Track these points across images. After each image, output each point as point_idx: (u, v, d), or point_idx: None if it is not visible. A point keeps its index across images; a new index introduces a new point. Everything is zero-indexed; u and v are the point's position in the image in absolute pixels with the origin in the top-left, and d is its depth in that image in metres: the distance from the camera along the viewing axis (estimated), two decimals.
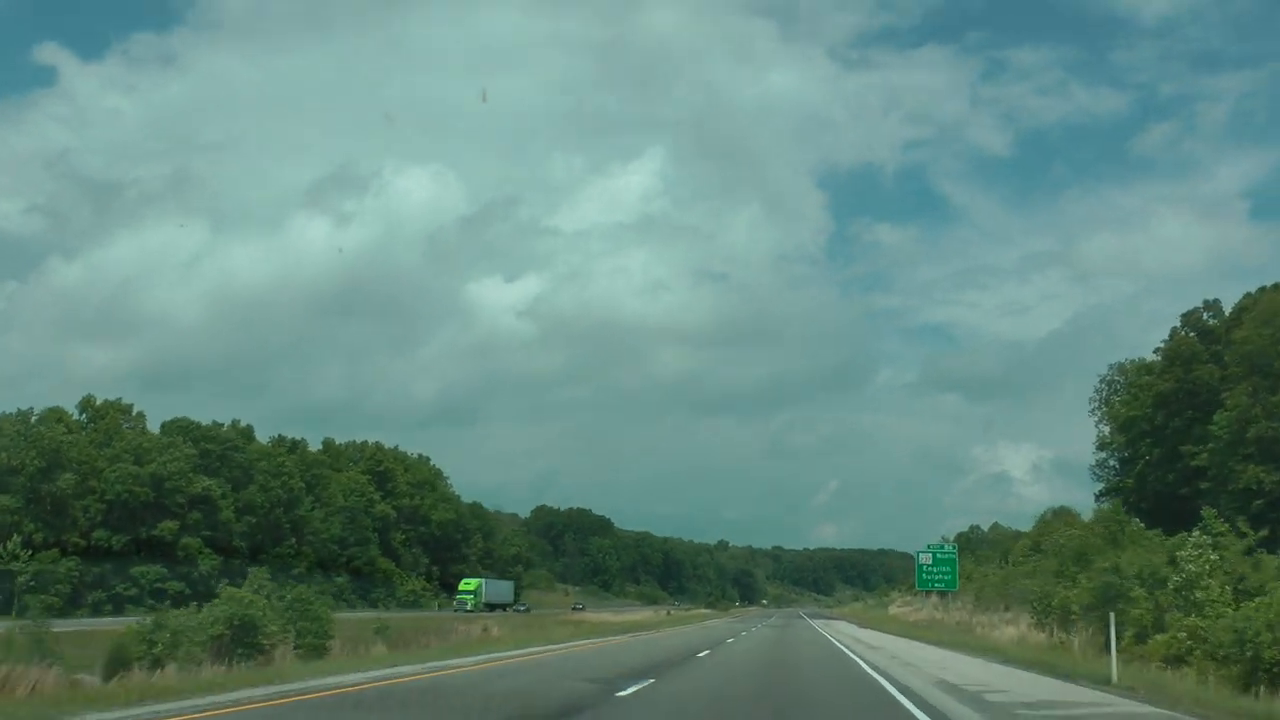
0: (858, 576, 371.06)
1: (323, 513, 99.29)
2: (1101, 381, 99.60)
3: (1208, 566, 27.92)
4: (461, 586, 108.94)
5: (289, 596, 32.21)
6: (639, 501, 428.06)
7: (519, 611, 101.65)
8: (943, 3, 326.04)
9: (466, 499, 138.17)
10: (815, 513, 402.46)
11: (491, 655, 31.64)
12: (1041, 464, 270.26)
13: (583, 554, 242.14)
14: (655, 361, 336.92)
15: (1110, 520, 51.41)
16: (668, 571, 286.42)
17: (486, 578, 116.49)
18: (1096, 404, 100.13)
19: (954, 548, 70.07)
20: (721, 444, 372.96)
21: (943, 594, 72.38)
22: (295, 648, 28.15)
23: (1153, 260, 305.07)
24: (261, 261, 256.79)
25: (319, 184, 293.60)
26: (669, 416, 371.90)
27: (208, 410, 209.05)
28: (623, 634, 52.28)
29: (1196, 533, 30.89)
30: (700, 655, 33.60)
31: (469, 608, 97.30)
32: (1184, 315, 72.76)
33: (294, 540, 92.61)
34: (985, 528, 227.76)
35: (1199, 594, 27.05)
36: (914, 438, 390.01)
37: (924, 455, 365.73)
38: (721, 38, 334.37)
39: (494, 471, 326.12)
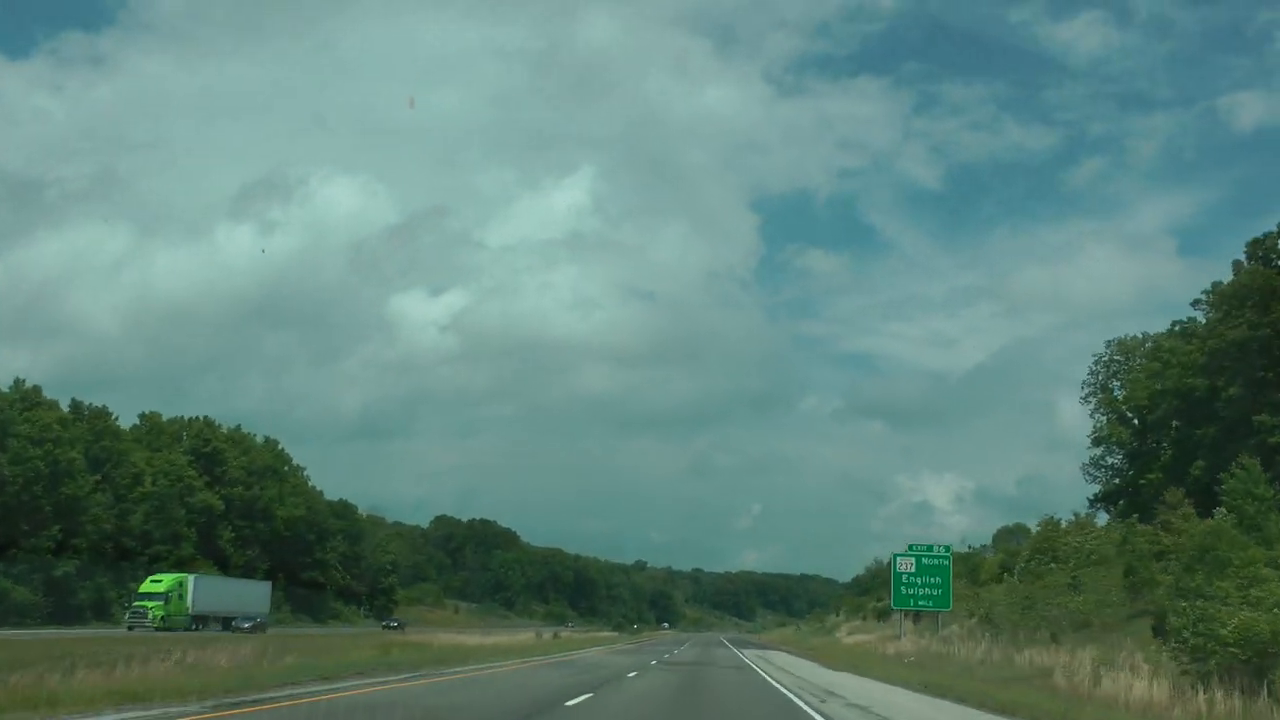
0: (780, 601, 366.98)
1: (109, 497, 75.90)
2: (1097, 363, 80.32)
3: None
4: (143, 587, 68.99)
5: None
6: (559, 520, 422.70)
7: (395, 628, 78.46)
8: (878, 34, 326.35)
9: (364, 508, 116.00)
10: (738, 536, 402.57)
11: None
12: (964, 494, 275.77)
13: (484, 569, 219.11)
14: (580, 379, 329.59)
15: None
16: (579, 591, 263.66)
17: (199, 574, 76.35)
18: (1091, 390, 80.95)
19: (946, 550, 49.16)
20: (645, 464, 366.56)
21: (918, 616, 51.71)
22: None
23: (1080, 294, 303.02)
24: (184, 267, 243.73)
25: (246, 190, 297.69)
26: (593, 435, 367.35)
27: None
28: (388, 675, 29.81)
29: None
30: None
31: (149, 623, 63.64)
32: (1251, 244, 53.16)
33: (60, 528, 69.12)
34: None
35: None
36: (838, 464, 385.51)
37: (847, 482, 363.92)
38: (658, 53, 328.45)
39: (413, 487, 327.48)
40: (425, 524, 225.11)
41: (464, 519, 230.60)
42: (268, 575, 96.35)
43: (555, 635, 79.46)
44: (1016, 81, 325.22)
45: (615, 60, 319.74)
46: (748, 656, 53.19)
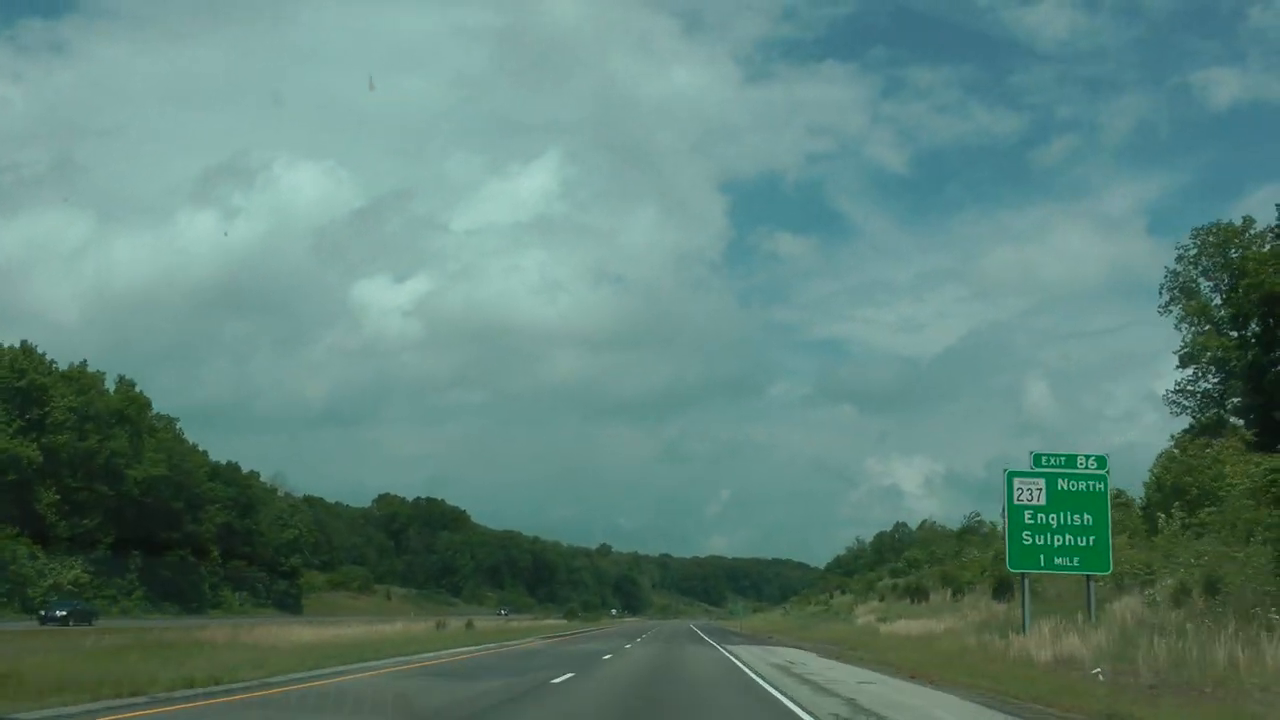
0: (751, 587, 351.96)
1: None
2: (1183, 259, 59.77)
3: None
4: None
5: None
6: (523, 506, 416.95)
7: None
8: (845, 18, 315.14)
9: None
10: (707, 522, 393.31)
11: None
12: (933, 477, 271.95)
13: (429, 552, 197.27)
14: (549, 364, 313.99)
15: None
16: (538, 576, 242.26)
17: None
18: (1173, 297, 60.43)
19: (1100, 466, 27.81)
20: (612, 450, 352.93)
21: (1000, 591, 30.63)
22: None
23: (1049, 277, 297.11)
24: (144, 253, 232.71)
25: (207, 175, 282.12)
26: (559, 420, 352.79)
27: None
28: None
29: None
30: None
31: None
32: None
33: None
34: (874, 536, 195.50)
35: None
36: (808, 449, 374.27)
37: (817, 467, 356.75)
38: (624, 31, 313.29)
39: (376, 476, 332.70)
40: (367, 503, 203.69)
41: (409, 498, 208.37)
42: (114, 550, 74.59)
43: (468, 625, 58.01)
44: (983, 65, 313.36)
45: (581, 40, 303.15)
46: (736, 656, 31.80)
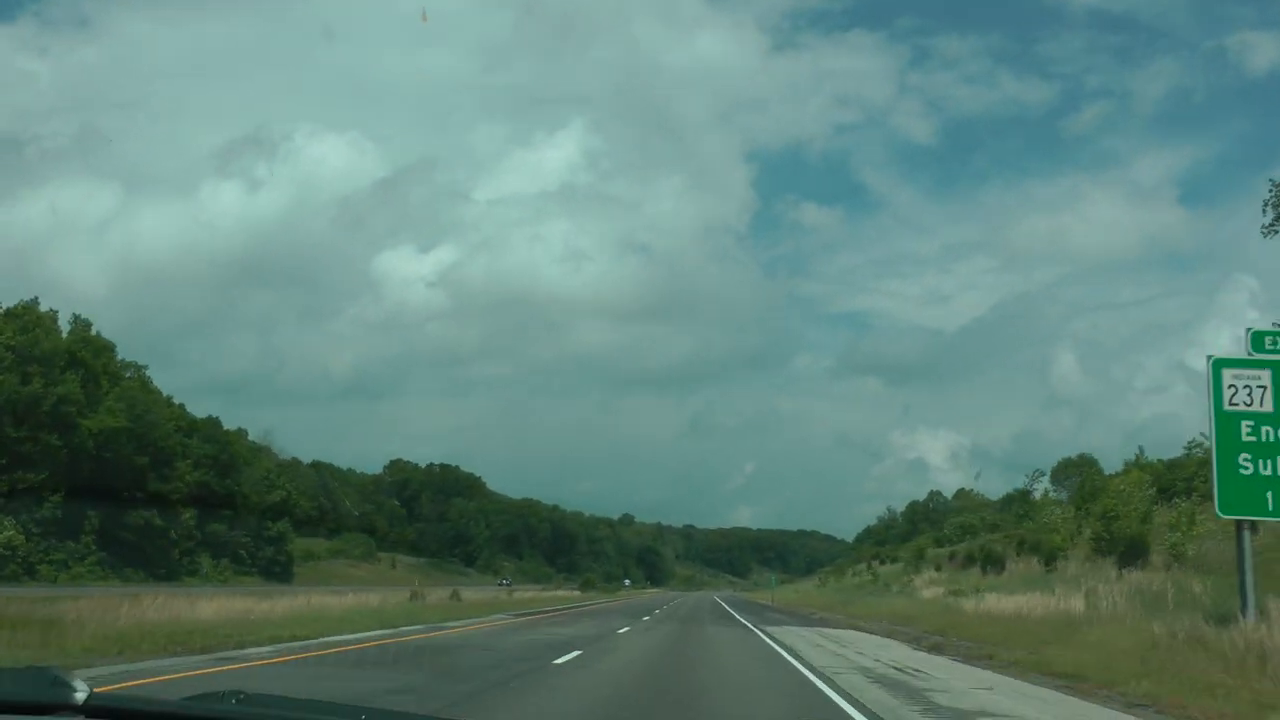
0: (776, 558, 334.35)
1: None
2: None
3: None
4: None
5: None
6: (545, 478, 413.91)
7: None
8: None
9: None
10: (731, 495, 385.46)
11: None
12: (959, 450, 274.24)
13: (442, 520, 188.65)
14: (572, 335, 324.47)
15: None
16: (557, 546, 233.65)
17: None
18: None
19: None
20: (636, 422, 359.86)
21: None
22: None
23: (1078, 247, 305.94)
24: (168, 224, 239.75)
25: (231, 147, 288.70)
26: (584, 392, 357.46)
27: None
28: None
29: None
30: None
31: None
32: None
33: None
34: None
35: None
36: (832, 422, 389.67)
37: (842, 440, 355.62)
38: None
39: (400, 447, 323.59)
40: (379, 469, 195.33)
41: (421, 464, 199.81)
42: (64, 510, 65.88)
43: (453, 595, 48.80)
44: (1012, 34, 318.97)
45: (604, 7, 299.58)
46: (819, 665, 20.73)
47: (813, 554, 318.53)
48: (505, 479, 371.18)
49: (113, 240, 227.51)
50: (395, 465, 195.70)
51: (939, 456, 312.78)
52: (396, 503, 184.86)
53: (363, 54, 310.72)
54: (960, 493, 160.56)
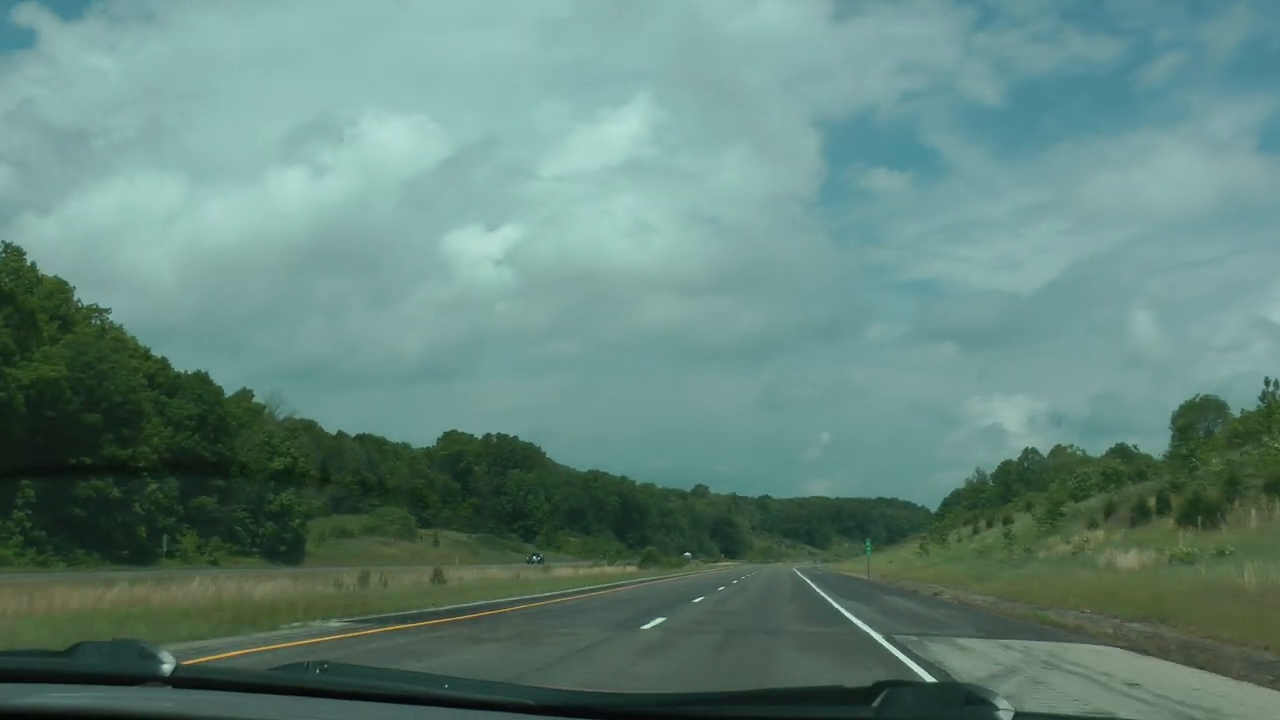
0: (856, 528, 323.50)
1: None
2: None
3: None
4: None
5: None
6: (619, 454, 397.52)
7: None
8: None
9: None
10: (806, 466, 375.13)
11: None
12: (1036, 415, 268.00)
13: (500, 493, 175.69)
14: (641, 310, 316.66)
15: None
16: (627, 519, 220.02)
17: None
18: None
19: None
20: (708, 396, 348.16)
21: None
22: None
23: (1153, 205, 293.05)
24: (236, 212, 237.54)
25: (295, 134, 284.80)
26: (654, 367, 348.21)
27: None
28: None
29: None
30: None
31: None
32: None
33: None
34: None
35: None
36: (906, 391, 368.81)
37: (917, 408, 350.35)
38: None
39: (469, 427, 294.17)
40: (432, 443, 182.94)
41: (477, 435, 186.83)
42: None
43: (436, 577, 34.38)
44: None
45: None
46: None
47: (892, 522, 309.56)
48: (576, 456, 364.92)
49: (179, 229, 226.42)
50: (449, 437, 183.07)
51: (1015, 423, 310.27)
52: (449, 476, 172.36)
53: (423, 37, 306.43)
54: (1057, 449, 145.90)
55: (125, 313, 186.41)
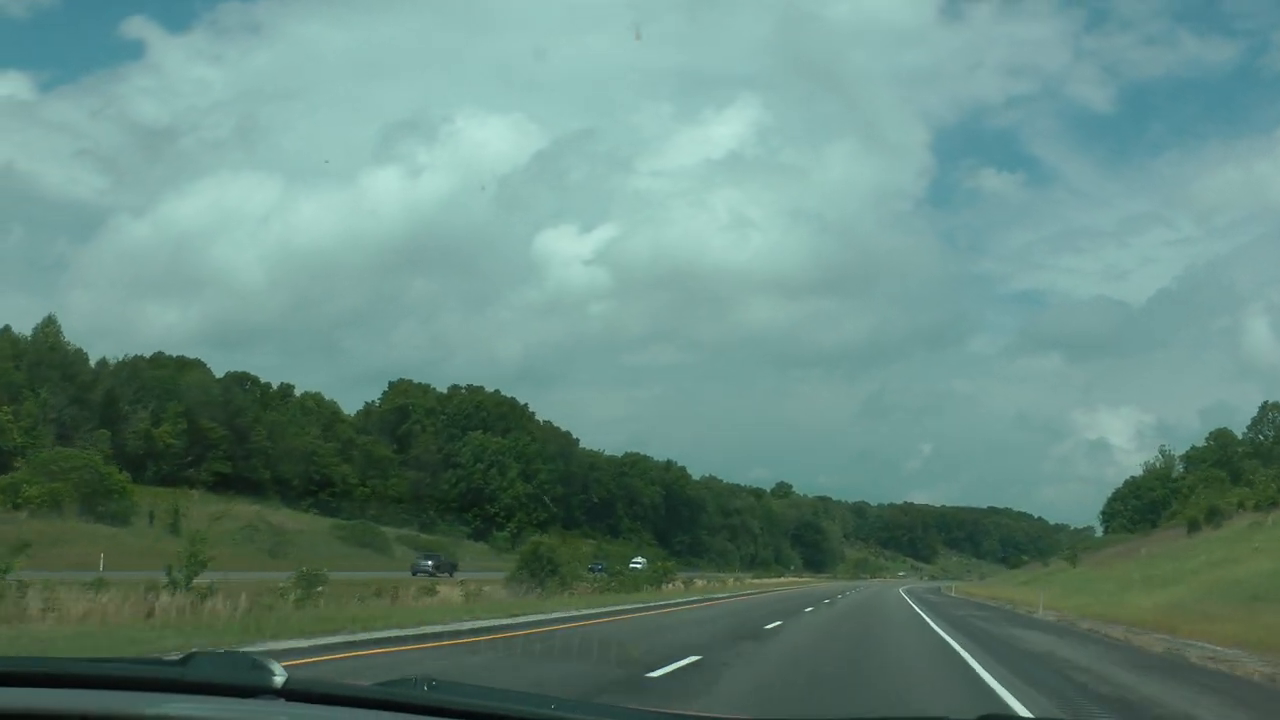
0: (965, 539, 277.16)
1: None
2: None
3: None
4: None
5: None
6: (712, 459, 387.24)
7: None
8: None
9: None
10: (906, 477, 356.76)
11: None
12: (1143, 428, 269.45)
13: (450, 464, 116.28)
14: (740, 311, 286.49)
15: None
16: (673, 517, 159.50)
17: None
18: None
19: None
20: (805, 402, 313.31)
21: None
22: None
23: (1267, 213, 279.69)
24: (331, 213, 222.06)
25: (391, 136, 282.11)
26: (751, 371, 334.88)
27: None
28: None
29: None
30: None
31: None
32: None
33: None
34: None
35: None
36: (1012, 402, 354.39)
37: (1021, 420, 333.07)
38: None
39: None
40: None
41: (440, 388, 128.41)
42: None
43: None
44: None
45: None
46: None
47: (1007, 534, 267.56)
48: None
49: (273, 230, 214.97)
50: (397, 389, 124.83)
51: (1122, 436, 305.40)
52: (386, 441, 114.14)
53: (521, 41, 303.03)
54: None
55: (219, 311, 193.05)
